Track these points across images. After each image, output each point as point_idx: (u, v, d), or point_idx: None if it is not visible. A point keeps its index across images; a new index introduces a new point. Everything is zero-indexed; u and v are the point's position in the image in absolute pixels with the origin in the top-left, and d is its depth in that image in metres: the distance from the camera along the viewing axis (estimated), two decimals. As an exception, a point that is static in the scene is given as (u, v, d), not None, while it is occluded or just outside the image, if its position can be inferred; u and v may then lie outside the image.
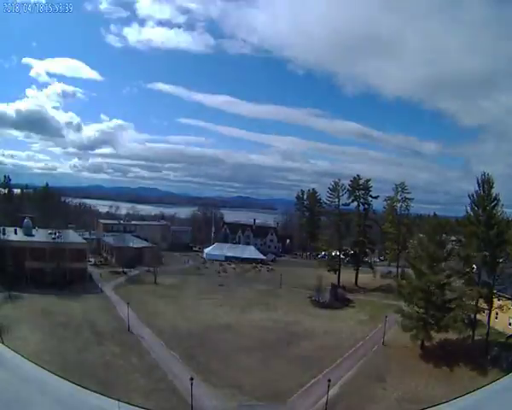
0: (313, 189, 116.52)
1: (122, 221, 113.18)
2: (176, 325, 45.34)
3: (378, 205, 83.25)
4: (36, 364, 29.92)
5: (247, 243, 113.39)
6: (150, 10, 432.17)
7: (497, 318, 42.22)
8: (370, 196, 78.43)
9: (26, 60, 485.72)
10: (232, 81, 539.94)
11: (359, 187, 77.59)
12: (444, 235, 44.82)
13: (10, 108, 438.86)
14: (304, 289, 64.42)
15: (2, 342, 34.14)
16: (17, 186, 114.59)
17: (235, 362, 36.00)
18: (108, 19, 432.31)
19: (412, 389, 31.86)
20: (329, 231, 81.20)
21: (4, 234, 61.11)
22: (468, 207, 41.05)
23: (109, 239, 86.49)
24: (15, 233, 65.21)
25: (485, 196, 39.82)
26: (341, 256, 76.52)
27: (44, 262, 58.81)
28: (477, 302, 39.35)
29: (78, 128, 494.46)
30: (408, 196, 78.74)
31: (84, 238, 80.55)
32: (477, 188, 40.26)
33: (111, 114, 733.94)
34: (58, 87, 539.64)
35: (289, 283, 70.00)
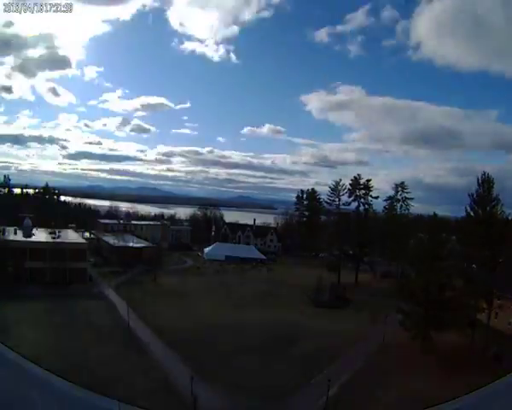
0: (313, 189, 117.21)
1: (122, 221, 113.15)
2: (176, 324, 45.25)
3: (378, 205, 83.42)
4: (36, 363, 29.82)
5: (247, 243, 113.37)
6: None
7: (496, 317, 42.23)
8: (371, 196, 78.68)
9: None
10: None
11: (360, 187, 77.70)
12: (444, 234, 44.92)
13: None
14: (304, 289, 64.34)
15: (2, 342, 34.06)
16: (17, 186, 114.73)
17: (235, 362, 35.96)
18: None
19: (412, 389, 31.70)
20: (329, 231, 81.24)
21: (4, 234, 61.11)
22: (469, 207, 41.20)
23: (109, 239, 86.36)
24: (15, 233, 65.20)
25: (485, 195, 39.89)
26: (341, 256, 76.53)
27: (44, 262, 58.73)
28: (477, 302, 39.37)
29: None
30: (407, 195, 79.15)
31: (84, 238, 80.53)
32: (477, 187, 40.39)
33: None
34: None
35: (289, 282, 69.96)
